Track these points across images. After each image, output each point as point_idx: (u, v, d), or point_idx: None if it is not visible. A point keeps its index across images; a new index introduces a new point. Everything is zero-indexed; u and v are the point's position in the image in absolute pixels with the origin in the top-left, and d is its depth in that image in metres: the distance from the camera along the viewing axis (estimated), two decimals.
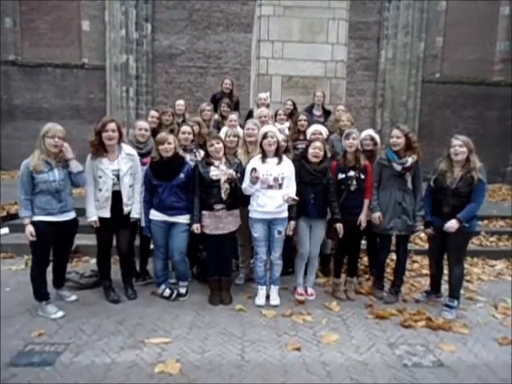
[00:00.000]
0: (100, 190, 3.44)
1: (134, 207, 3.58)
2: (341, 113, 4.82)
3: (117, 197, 3.47)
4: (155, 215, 3.59)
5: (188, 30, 11.85)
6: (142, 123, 4.03)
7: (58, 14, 11.59)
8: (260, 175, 3.41)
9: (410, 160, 3.59)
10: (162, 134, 3.55)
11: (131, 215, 3.58)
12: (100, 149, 3.43)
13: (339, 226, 3.62)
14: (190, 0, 11.75)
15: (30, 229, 3.16)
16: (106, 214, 3.46)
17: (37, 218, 3.19)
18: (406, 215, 3.66)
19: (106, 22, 11.60)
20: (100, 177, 3.42)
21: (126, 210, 3.52)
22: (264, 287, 3.73)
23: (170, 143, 3.48)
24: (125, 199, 3.49)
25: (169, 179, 3.52)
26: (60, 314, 3.31)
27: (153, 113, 4.52)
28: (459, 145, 3.38)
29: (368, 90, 12.30)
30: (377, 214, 3.67)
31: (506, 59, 12.01)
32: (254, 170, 3.40)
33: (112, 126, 3.40)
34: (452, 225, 3.38)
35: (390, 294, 3.86)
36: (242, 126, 4.30)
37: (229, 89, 6.02)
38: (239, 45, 11.82)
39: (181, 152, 3.67)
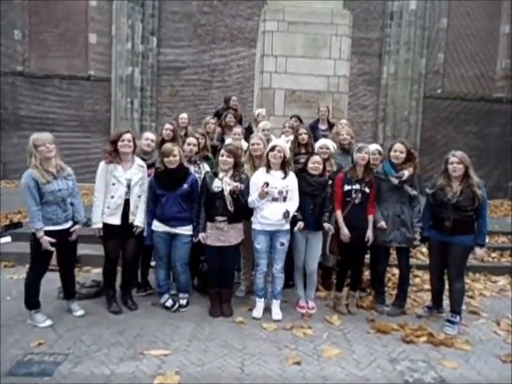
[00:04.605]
0: (112, 196, 3.48)
1: (137, 216, 3.61)
2: (339, 127, 4.89)
3: (126, 205, 3.52)
4: (157, 226, 3.61)
5: (193, 43, 12.06)
6: (149, 134, 4.08)
7: (66, 27, 11.84)
8: (269, 190, 3.42)
9: (406, 173, 3.65)
10: (168, 146, 3.59)
11: (134, 223, 3.59)
12: (115, 156, 3.50)
13: (328, 226, 3.60)
14: (196, 15, 11.98)
15: (46, 240, 3.16)
16: (117, 220, 3.50)
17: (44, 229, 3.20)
18: (405, 227, 3.69)
19: (112, 35, 11.82)
20: (113, 184, 3.48)
21: (131, 218, 3.56)
22: (262, 300, 3.72)
23: (175, 155, 3.53)
24: (132, 208, 3.55)
25: (172, 189, 3.55)
26: (48, 322, 3.30)
27: (168, 126, 4.51)
28: (457, 161, 3.42)
29: (370, 105, 12.43)
30: (382, 223, 3.69)
31: (507, 76, 12.14)
32: (266, 184, 3.42)
33: (128, 136, 3.51)
34: (480, 253, 3.57)
35: (394, 306, 3.85)
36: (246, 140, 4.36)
37: (235, 106, 6.15)
38: (243, 59, 12.00)
39: (185, 163, 3.71)
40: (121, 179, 3.48)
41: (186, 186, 3.57)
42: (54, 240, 3.19)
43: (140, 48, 11.81)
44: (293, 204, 3.57)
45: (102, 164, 3.54)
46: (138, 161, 3.66)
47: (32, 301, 3.34)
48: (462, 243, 3.46)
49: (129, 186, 3.51)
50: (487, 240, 5.77)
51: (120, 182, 3.48)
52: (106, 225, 3.51)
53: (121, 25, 11.66)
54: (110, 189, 3.49)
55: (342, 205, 3.73)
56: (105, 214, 3.49)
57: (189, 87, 12.16)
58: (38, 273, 3.33)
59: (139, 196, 3.60)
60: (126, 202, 3.52)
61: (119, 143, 3.48)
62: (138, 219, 3.61)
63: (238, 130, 4.75)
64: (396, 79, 12.09)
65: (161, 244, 3.63)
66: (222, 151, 3.59)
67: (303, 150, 4.42)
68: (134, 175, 3.55)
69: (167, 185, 3.56)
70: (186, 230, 3.60)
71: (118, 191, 3.48)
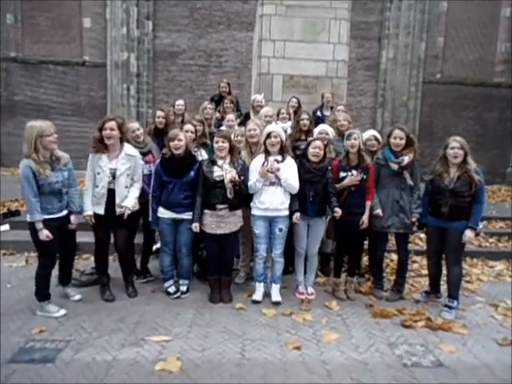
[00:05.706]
0: (97, 186, 3.46)
1: (127, 200, 3.47)
2: (336, 114, 4.84)
3: (113, 195, 3.47)
4: (163, 213, 3.61)
5: (189, 28, 11.82)
6: (131, 124, 3.94)
7: (60, 11, 11.56)
8: (272, 166, 3.43)
9: (406, 159, 3.65)
10: (174, 131, 3.59)
11: (122, 203, 3.46)
12: (101, 145, 3.44)
13: (337, 211, 3.54)
14: None
15: (45, 232, 3.13)
16: (101, 210, 3.47)
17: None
18: (403, 213, 3.69)
19: (107, 19, 11.56)
20: (98, 173, 3.44)
21: (118, 211, 3.48)
22: (262, 284, 3.75)
23: (180, 140, 3.50)
24: (118, 200, 3.47)
25: (179, 176, 3.54)
26: (62, 312, 3.30)
27: (159, 113, 4.49)
28: (458, 147, 3.41)
29: (369, 91, 12.29)
30: (378, 211, 3.69)
31: (506, 60, 12.01)
32: (266, 162, 3.45)
33: (111, 124, 3.39)
34: (470, 236, 3.48)
35: (393, 291, 3.88)
36: (243, 125, 4.31)
37: (225, 91, 6.07)
38: (240, 43, 11.79)
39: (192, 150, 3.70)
40: (104, 169, 3.43)
41: (192, 173, 3.57)
42: (51, 236, 3.15)
43: (135, 33, 11.55)
44: (293, 182, 3.54)
45: (91, 154, 3.50)
46: (128, 150, 3.54)
47: (43, 292, 3.33)
48: (459, 229, 3.47)
49: (114, 176, 3.44)
50: (483, 225, 5.86)
51: (104, 172, 3.43)
52: (94, 214, 3.49)
53: (115, 9, 11.39)
54: (95, 178, 3.45)
55: (338, 192, 3.71)
56: (92, 202, 3.48)
57: (185, 72, 11.97)
58: (48, 264, 3.31)
59: (126, 187, 3.51)
60: (112, 192, 3.45)
61: (102, 132, 3.40)
62: (128, 202, 3.49)
63: (230, 116, 4.70)
64: (395, 64, 11.92)
65: (167, 230, 3.65)
66: (216, 138, 3.58)
67: (303, 137, 4.37)
68: (121, 165, 3.46)
69: (175, 172, 3.54)
70: (190, 215, 3.60)
71: (101, 181, 3.44)
